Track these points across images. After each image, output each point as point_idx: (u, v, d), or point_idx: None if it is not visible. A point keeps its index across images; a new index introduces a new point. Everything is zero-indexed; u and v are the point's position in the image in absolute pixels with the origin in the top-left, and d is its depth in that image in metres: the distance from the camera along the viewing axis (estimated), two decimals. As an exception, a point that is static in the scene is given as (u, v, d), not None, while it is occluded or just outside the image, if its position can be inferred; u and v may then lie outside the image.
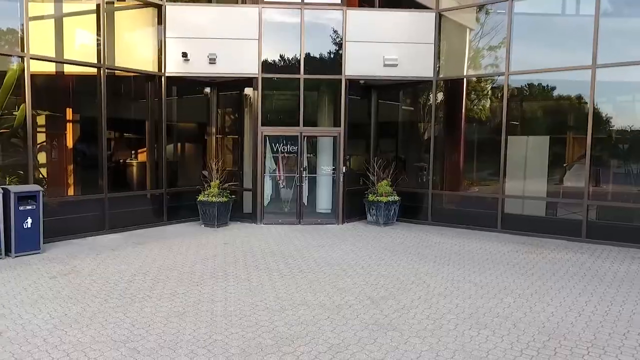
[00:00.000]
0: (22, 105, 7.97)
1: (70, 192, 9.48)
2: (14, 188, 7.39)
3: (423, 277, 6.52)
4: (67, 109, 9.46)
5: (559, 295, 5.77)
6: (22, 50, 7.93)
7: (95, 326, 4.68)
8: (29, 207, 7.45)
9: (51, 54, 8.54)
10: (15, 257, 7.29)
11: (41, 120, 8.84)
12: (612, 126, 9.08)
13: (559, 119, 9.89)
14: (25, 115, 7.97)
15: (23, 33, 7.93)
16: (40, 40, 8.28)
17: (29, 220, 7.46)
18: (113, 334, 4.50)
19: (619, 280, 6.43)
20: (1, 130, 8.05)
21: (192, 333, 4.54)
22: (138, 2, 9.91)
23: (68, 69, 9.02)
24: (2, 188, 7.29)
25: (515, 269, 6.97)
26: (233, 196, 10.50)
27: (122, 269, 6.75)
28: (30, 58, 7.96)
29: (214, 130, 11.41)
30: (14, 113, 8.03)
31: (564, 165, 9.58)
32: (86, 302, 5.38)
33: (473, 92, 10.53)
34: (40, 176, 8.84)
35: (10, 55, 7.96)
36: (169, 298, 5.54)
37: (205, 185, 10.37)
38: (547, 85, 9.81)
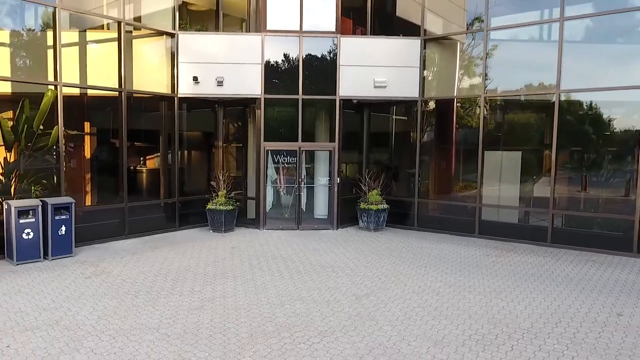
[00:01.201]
0: (55, 127, 9.11)
1: (95, 201, 10.65)
2: (51, 200, 8.54)
3: (401, 277, 7.66)
4: (92, 127, 10.63)
5: (513, 293, 6.90)
6: (55, 79, 9.09)
7: (131, 316, 5.83)
8: (63, 217, 8.61)
9: (77, 79, 9.68)
10: (52, 260, 8.45)
11: (70, 138, 9.98)
12: (575, 142, 10.21)
13: (530, 136, 11.03)
14: (58, 135, 9.12)
15: (56, 63, 9.07)
16: (68, 67, 9.41)
17: (63, 228, 8.61)
18: (147, 323, 5.64)
19: (568, 280, 7.56)
20: (41, 145, 9.13)
21: (209, 322, 5.68)
22: (153, 31, 11.06)
23: (92, 90, 10.18)
24: (41, 200, 8.44)
25: (482, 271, 8.10)
26: (238, 203, 11.65)
27: (145, 270, 7.91)
28: (63, 86, 9.12)
29: (220, 143, 12.55)
30: (39, 128, 9.06)
31: (534, 177, 10.71)
32: (120, 297, 6.53)
33: (454, 111, 11.66)
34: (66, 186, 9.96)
35: (47, 84, 9.09)
36: (188, 295, 6.68)
37: (214, 195, 11.51)
38: (519, 106, 10.97)
